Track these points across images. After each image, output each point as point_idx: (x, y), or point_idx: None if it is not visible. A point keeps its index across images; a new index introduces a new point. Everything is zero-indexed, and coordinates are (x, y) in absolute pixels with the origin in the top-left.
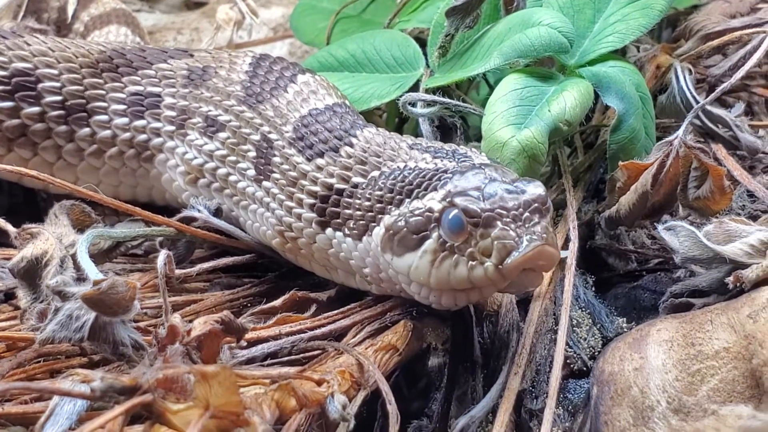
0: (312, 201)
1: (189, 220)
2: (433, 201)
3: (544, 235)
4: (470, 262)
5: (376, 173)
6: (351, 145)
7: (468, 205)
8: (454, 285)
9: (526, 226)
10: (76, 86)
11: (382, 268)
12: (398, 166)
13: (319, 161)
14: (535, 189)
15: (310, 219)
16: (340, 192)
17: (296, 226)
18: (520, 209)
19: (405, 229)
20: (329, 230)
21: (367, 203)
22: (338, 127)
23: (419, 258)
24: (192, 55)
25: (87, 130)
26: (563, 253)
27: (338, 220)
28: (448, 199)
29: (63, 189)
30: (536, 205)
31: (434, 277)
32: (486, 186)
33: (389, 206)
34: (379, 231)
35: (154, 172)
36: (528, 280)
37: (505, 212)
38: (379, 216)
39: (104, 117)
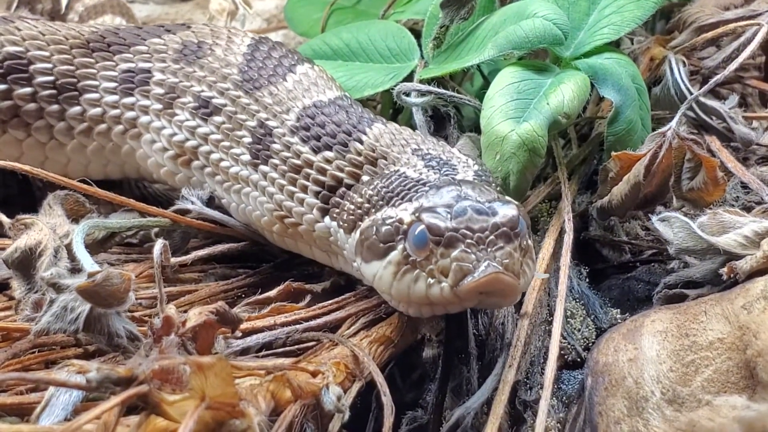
0: (318, 188)
1: (183, 212)
2: (405, 212)
3: (506, 261)
4: (429, 279)
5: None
6: (360, 142)
7: (433, 222)
8: (413, 299)
9: (489, 249)
10: (66, 66)
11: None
12: (393, 170)
13: (328, 154)
14: (507, 211)
15: (313, 205)
16: (348, 187)
17: (297, 210)
18: (486, 232)
19: (374, 236)
20: (327, 218)
21: (359, 200)
22: (345, 121)
23: (383, 268)
24: (189, 27)
25: (78, 108)
26: (542, 275)
27: (337, 210)
28: (416, 214)
29: (58, 182)
30: (504, 228)
31: (395, 289)
32: (457, 204)
33: (372, 209)
34: (356, 234)
35: (141, 153)
36: (491, 302)
37: (469, 233)
38: (365, 216)
39: (95, 95)
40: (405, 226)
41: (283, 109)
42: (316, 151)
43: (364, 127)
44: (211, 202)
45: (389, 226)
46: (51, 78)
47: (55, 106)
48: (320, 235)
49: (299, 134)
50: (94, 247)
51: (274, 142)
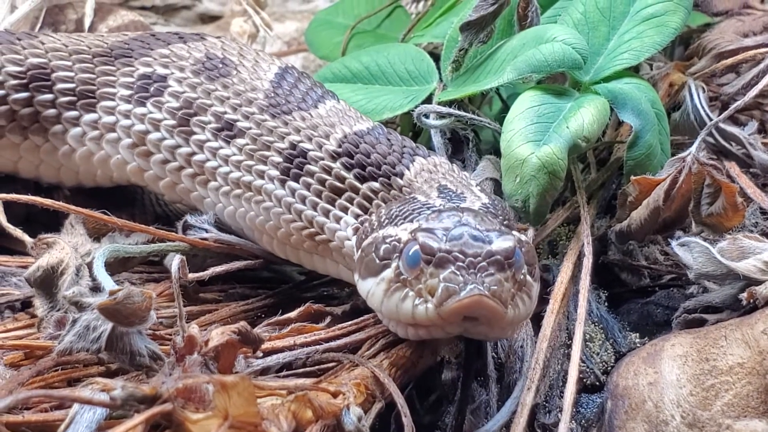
0: (360, 212)
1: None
2: (404, 232)
3: (494, 287)
4: (417, 299)
5: None
6: (401, 177)
7: (427, 242)
8: (400, 318)
9: (479, 275)
10: (87, 74)
11: None
12: (410, 197)
13: (374, 185)
14: (503, 242)
15: (350, 223)
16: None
17: (330, 227)
18: (479, 258)
19: (373, 254)
20: (355, 237)
21: (374, 220)
22: (389, 153)
23: (376, 285)
24: (219, 37)
25: (94, 115)
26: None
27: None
28: (413, 233)
29: (78, 213)
30: (498, 257)
31: (385, 307)
32: (455, 228)
33: (379, 228)
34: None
35: (150, 174)
36: (480, 331)
37: (461, 256)
38: (368, 236)
39: (111, 102)
40: (401, 245)
41: (319, 133)
42: (360, 179)
43: (408, 162)
44: (218, 224)
45: (388, 245)
46: (72, 85)
47: (73, 113)
48: (348, 252)
49: (341, 160)
50: (117, 266)
51: (309, 164)
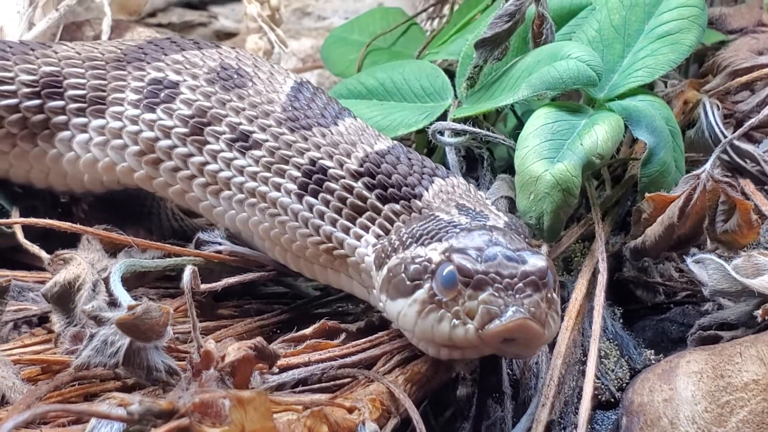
0: (381, 233)
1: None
2: (434, 252)
3: (533, 309)
4: (454, 320)
5: None
6: (419, 198)
7: (463, 263)
8: (436, 340)
9: (517, 296)
10: (99, 80)
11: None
12: (430, 215)
13: (395, 207)
14: (537, 261)
15: (371, 242)
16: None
17: (350, 243)
18: (515, 279)
19: (402, 274)
20: (374, 254)
21: (394, 239)
22: (409, 174)
23: (408, 306)
24: (234, 48)
25: (102, 121)
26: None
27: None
28: (447, 254)
29: (95, 234)
30: (533, 277)
31: (419, 328)
32: (488, 248)
33: (401, 247)
34: (383, 271)
35: (159, 181)
36: (513, 351)
37: (498, 278)
38: (392, 254)
39: (120, 108)
40: (433, 266)
41: (340, 151)
42: (382, 200)
43: (428, 184)
44: (229, 237)
45: (418, 265)
46: (82, 92)
47: (82, 119)
48: (365, 268)
49: (362, 180)
50: (133, 281)
51: (329, 181)
